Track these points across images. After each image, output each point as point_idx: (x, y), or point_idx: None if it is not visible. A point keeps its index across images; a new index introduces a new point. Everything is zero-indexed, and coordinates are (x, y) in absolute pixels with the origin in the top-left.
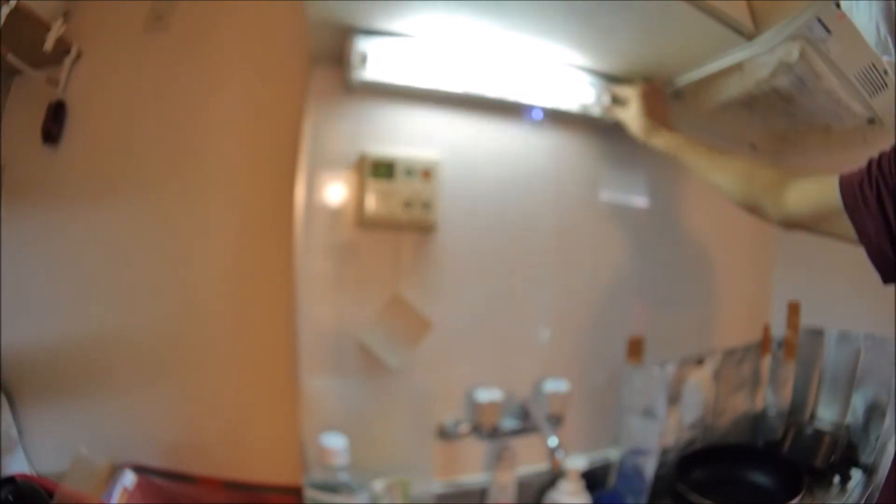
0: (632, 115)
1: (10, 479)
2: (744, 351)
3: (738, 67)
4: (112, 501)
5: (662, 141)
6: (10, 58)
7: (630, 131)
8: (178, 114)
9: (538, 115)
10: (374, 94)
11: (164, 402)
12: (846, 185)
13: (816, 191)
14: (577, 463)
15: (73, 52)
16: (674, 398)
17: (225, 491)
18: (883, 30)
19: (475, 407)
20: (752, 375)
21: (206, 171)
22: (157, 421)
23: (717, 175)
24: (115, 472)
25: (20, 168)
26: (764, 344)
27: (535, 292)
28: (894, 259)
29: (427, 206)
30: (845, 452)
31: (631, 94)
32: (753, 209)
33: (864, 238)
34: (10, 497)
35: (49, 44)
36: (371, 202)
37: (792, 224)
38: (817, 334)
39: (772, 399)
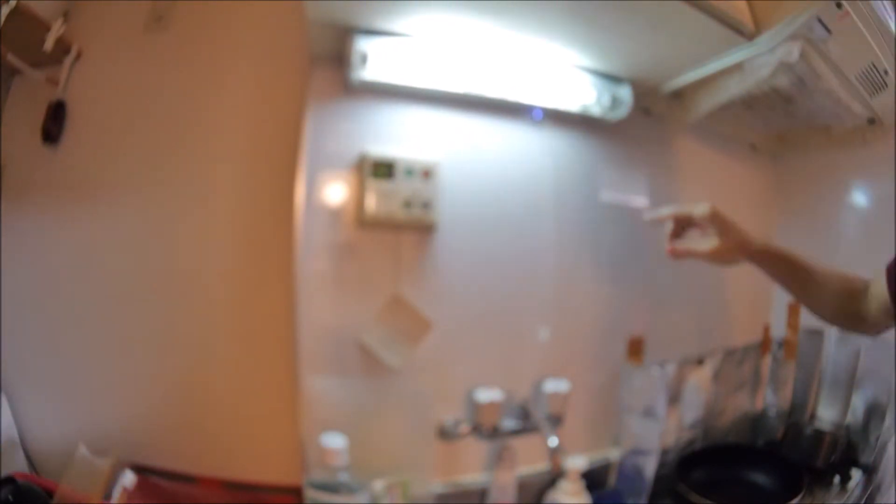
0: (714, 248)
1: (10, 479)
2: (744, 351)
3: (738, 67)
4: (112, 501)
5: (759, 258)
6: (10, 58)
7: (724, 263)
8: (178, 114)
9: (538, 115)
10: (374, 94)
11: (165, 402)
12: (891, 277)
13: (880, 295)
14: (577, 463)
15: (73, 52)
16: (674, 398)
17: (225, 491)
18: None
19: (475, 407)
20: (752, 375)
21: (205, 171)
22: (158, 420)
23: (810, 302)
24: (115, 472)
25: (20, 168)
26: (764, 344)
27: (535, 292)
28: None
29: (427, 206)
30: (845, 452)
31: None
32: (846, 330)
33: None
34: (10, 497)
35: (49, 44)
36: (371, 202)
37: (881, 332)
38: (817, 334)
39: (772, 399)
